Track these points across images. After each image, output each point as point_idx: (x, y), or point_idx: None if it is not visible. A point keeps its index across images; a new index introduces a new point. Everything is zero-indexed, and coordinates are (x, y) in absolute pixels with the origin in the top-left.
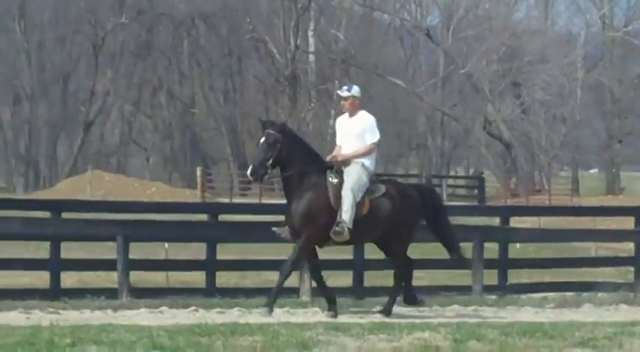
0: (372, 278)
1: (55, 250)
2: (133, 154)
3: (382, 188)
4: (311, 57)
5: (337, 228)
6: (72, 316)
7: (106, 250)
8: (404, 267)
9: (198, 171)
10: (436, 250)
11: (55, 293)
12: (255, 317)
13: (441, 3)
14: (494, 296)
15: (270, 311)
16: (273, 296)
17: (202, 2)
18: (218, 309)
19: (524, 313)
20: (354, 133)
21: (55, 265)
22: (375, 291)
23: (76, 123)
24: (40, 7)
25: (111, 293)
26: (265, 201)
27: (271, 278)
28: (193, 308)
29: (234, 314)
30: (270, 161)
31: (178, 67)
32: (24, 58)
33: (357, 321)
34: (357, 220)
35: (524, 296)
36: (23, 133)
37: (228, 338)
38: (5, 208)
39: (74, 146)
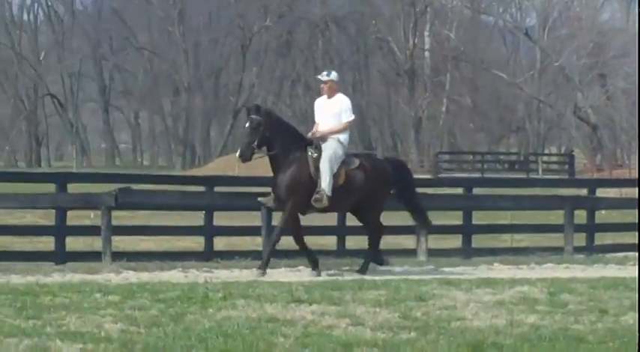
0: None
1: (209, 218)
2: None
3: (356, 161)
4: (427, 54)
5: (317, 195)
6: (223, 274)
7: (251, 219)
8: (376, 232)
9: None
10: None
11: (208, 255)
12: (380, 274)
13: (538, 6)
14: (583, 256)
15: (263, 273)
16: (265, 259)
17: (335, 7)
18: (347, 268)
19: (609, 270)
20: (332, 113)
21: (209, 231)
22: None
23: (226, 112)
24: (196, 13)
25: (256, 255)
26: None
27: (397, 241)
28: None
29: None
30: (256, 142)
31: (314, 63)
32: (182, 56)
33: (466, 277)
34: (334, 190)
35: (608, 256)
36: (181, 120)
37: (356, 292)
38: (166, 183)
39: (224, 130)
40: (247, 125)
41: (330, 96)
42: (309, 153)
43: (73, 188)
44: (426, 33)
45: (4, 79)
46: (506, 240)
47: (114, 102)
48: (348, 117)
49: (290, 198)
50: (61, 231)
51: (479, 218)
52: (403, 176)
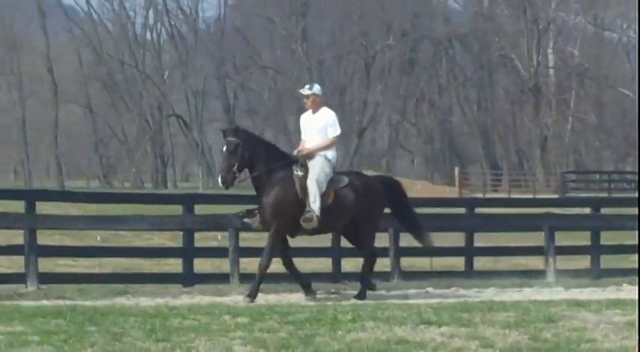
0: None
1: (337, 239)
2: (400, 156)
3: (345, 179)
4: (551, 71)
5: (307, 215)
6: (351, 296)
7: (378, 240)
8: (370, 255)
9: (456, 170)
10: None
11: (336, 276)
12: (509, 295)
13: None
14: None
15: (253, 300)
16: (256, 285)
17: (457, 24)
18: (475, 289)
19: None
20: (317, 128)
21: (336, 252)
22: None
23: (351, 130)
24: (319, 31)
25: (384, 276)
26: (514, 196)
27: (521, 261)
28: (454, 288)
29: (489, 293)
30: (236, 166)
31: (438, 81)
32: (306, 74)
33: (595, 298)
34: (322, 210)
35: None
36: None
37: (485, 313)
38: None
39: (350, 149)
40: (224, 149)
41: (314, 111)
42: (295, 172)
43: (199, 209)
44: (550, 50)
45: (129, 98)
46: (634, 261)
47: (238, 121)
48: (334, 132)
49: (275, 219)
50: (188, 252)
51: (607, 238)
52: (396, 194)
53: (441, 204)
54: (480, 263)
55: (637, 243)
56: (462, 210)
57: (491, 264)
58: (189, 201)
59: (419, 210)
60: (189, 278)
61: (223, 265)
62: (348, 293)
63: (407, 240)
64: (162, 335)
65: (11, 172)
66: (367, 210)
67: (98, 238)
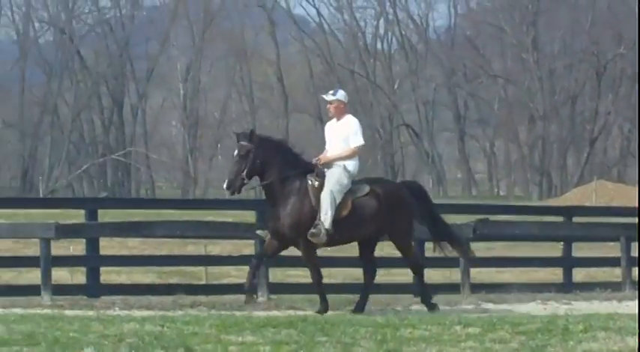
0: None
1: (567, 249)
2: (631, 165)
3: (366, 188)
4: None
5: (314, 230)
6: (582, 306)
7: (609, 249)
8: (416, 266)
9: None
10: None
11: (567, 287)
12: None
13: None
14: None
15: (323, 313)
16: (322, 300)
17: None
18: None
19: None
20: (340, 137)
21: (568, 262)
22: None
23: (583, 139)
24: (549, 39)
25: (615, 287)
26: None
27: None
28: None
29: None
30: (245, 172)
31: None
32: (537, 83)
33: None
34: (338, 221)
35: None
36: (537, 148)
37: None
38: (522, 214)
39: (581, 159)
40: (235, 153)
41: (338, 119)
42: (310, 182)
43: None
44: None
45: (360, 108)
46: None
47: (469, 130)
48: (356, 141)
49: (299, 237)
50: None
51: None
52: (424, 202)
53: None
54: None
55: None
56: None
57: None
58: None
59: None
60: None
61: (454, 275)
62: (578, 305)
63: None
64: (393, 346)
65: None
66: (394, 219)
67: (328, 248)
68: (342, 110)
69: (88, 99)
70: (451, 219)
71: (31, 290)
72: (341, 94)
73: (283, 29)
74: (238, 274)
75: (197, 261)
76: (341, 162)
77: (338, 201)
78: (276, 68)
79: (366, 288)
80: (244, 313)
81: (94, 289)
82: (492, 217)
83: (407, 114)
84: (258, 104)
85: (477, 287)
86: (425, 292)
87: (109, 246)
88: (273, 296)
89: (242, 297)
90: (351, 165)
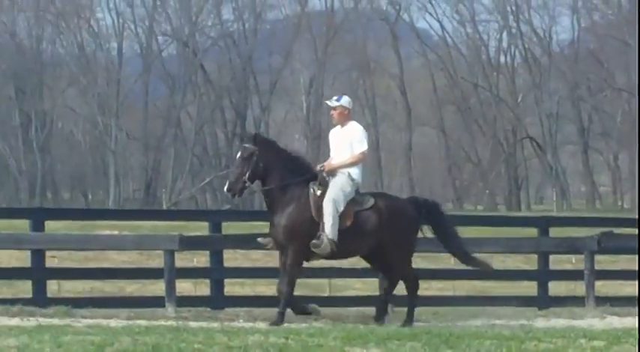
0: None
1: None
2: None
3: (371, 200)
4: None
5: (316, 241)
6: None
7: None
8: (410, 280)
9: None
10: None
11: None
12: None
13: None
14: None
15: (279, 325)
16: (279, 316)
17: None
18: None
19: None
20: (344, 144)
21: None
22: None
23: None
24: None
25: None
26: None
27: None
28: None
29: None
30: (247, 175)
31: None
32: None
33: None
34: (341, 232)
35: None
36: None
37: None
38: None
39: None
40: (238, 155)
41: (342, 125)
42: (311, 190)
43: (554, 232)
44: None
45: (483, 121)
46: None
47: (593, 144)
48: (361, 147)
49: (290, 243)
50: (543, 275)
51: None
52: (435, 217)
53: None
54: None
55: None
56: None
57: None
58: (544, 223)
59: None
60: (544, 301)
61: (577, 288)
62: None
63: None
64: None
65: None
66: (395, 235)
67: (452, 261)
68: (345, 116)
69: (211, 113)
70: (576, 232)
71: (156, 302)
72: (345, 100)
73: (406, 43)
74: (362, 286)
75: (320, 273)
76: (345, 170)
77: (341, 210)
78: (399, 81)
79: (385, 298)
80: (369, 326)
81: (218, 301)
82: (617, 230)
83: (530, 127)
84: (381, 117)
85: (602, 300)
86: (411, 309)
87: (232, 257)
88: (397, 309)
89: (366, 310)
90: (356, 173)
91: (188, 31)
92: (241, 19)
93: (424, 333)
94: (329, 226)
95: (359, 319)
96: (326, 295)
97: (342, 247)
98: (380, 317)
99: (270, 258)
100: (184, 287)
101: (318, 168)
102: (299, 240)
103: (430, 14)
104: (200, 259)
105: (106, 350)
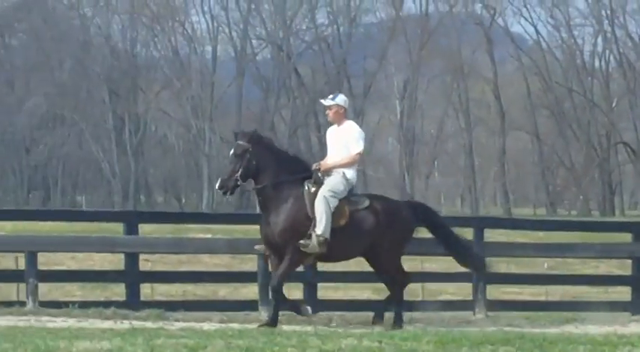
0: None
1: None
2: None
3: (366, 202)
4: None
5: (303, 242)
6: None
7: None
8: (400, 281)
9: None
10: None
11: None
12: None
13: None
14: None
15: (273, 326)
16: (273, 313)
17: None
18: None
19: None
20: (341, 143)
21: None
22: None
23: None
24: None
25: None
26: None
27: None
28: None
29: None
30: (239, 173)
31: None
32: None
33: None
34: (336, 231)
35: None
36: None
37: None
38: None
39: None
40: (232, 152)
41: (339, 124)
42: (306, 188)
43: None
44: None
45: (576, 126)
46: None
47: None
48: (357, 148)
49: (289, 243)
50: (637, 280)
51: None
52: (430, 218)
53: None
54: None
55: None
56: None
57: None
58: (637, 229)
59: None
60: (638, 306)
61: None
62: None
63: None
64: None
65: (458, 199)
66: (390, 236)
67: (545, 266)
68: (341, 115)
69: (305, 117)
70: None
71: (248, 306)
72: (341, 99)
73: (500, 47)
74: (455, 291)
75: (413, 277)
76: (340, 170)
77: (332, 208)
78: (493, 86)
79: (396, 302)
80: (462, 330)
81: (311, 304)
82: None
83: (624, 132)
84: (474, 121)
85: None
86: (399, 310)
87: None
88: (490, 314)
89: (459, 314)
90: (350, 173)
91: (282, 35)
92: (336, 23)
93: (517, 338)
94: (320, 225)
95: (452, 324)
96: (419, 299)
97: (337, 248)
98: (379, 319)
99: (363, 262)
100: None
101: (313, 167)
102: (297, 240)
103: (525, 18)
104: None
105: None
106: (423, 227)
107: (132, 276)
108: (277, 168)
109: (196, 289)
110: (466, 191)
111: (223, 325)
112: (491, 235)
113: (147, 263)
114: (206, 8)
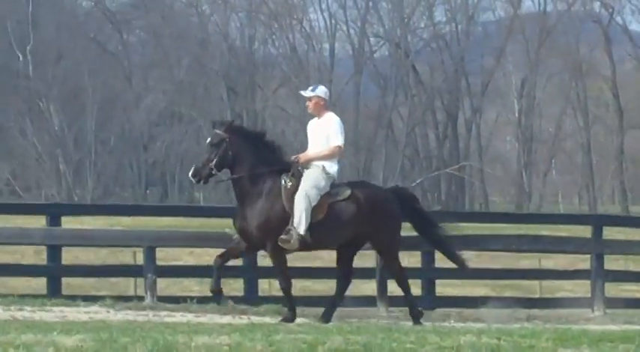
0: None
1: None
2: None
3: (347, 192)
4: None
5: (284, 236)
6: None
7: None
8: (398, 274)
9: None
10: None
11: None
12: None
13: None
14: None
15: (291, 322)
16: (290, 308)
17: None
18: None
19: None
20: (321, 136)
21: None
22: None
23: None
24: None
25: None
26: None
27: None
28: None
29: None
30: (214, 162)
31: None
32: None
33: None
34: (314, 225)
35: None
36: None
37: None
38: None
39: None
40: (208, 141)
41: (319, 116)
42: (283, 182)
43: None
44: None
45: None
46: None
47: None
48: (337, 140)
49: (267, 240)
50: None
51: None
52: (414, 208)
53: None
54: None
55: None
56: None
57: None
58: None
59: None
60: None
61: None
62: None
63: None
64: None
65: (575, 197)
66: (377, 226)
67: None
68: (321, 107)
69: (423, 114)
70: None
71: (366, 302)
72: (321, 90)
73: (619, 45)
74: (573, 288)
75: (531, 274)
76: (320, 163)
77: (313, 204)
78: (612, 84)
79: (335, 299)
80: (581, 327)
81: (429, 301)
82: None
83: None
84: (592, 119)
85: None
86: (412, 304)
87: (443, 258)
88: (608, 311)
89: (576, 311)
90: (331, 166)
91: (400, 33)
92: (454, 21)
93: (637, 335)
94: (299, 222)
95: (571, 321)
96: (537, 296)
97: (315, 239)
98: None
99: (479, 259)
100: (395, 287)
101: (292, 159)
102: (275, 234)
103: None
104: (410, 259)
105: (317, 348)
106: (406, 217)
107: (250, 272)
108: (255, 159)
109: (314, 284)
110: (584, 189)
111: (342, 321)
112: (610, 233)
113: (264, 258)
114: (324, 6)
